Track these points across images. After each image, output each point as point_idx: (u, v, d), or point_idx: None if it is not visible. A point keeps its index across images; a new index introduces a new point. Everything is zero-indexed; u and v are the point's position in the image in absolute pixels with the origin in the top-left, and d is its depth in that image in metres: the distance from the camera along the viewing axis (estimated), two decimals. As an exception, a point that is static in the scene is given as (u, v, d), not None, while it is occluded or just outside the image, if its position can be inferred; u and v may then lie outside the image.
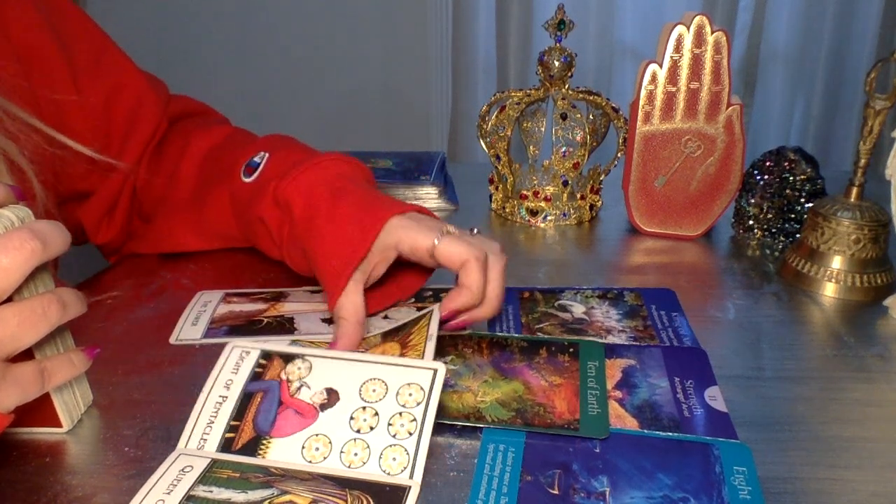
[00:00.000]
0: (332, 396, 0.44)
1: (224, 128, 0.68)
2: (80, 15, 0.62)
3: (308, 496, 0.38)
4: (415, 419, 0.42)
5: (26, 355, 0.39)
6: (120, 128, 0.63)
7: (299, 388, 0.45)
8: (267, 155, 0.60)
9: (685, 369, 0.50)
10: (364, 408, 0.43)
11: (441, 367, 0.44)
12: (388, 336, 0.53)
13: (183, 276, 0.65)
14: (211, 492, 0.38)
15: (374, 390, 0.44)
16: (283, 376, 0.45)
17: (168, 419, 0.45)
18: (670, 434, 0.43)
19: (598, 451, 0.42)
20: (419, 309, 0.58)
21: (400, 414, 0.42)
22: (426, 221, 0.52)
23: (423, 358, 0.47)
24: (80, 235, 0.66)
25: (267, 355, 0.47)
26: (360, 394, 0.44)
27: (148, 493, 0.38)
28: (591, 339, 0.54)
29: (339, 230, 0.52)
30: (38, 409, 0.42)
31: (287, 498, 0.38)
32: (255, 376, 0.46)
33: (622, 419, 0.45)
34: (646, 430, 0.44)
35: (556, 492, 0.39)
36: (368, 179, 0.59)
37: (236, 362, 0.47)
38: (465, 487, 0.39)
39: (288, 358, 0.46)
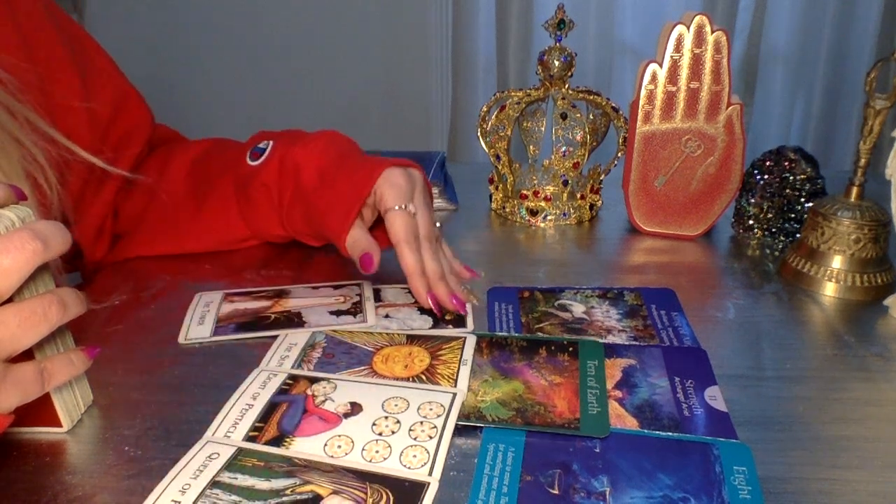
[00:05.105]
0: (355, 408, 0.45)
1: (202, 141, 0.72)
2: (82, 30, 0.64)
3: (329, 487, 0.39)
4: (435, 426, 0.43)
5: (26, 356, 0.39)
6: (115, 142, 0.63)
7: (324, 401, 0.46)
8: (271, 143, 0.66)
9: (685, 369, 0.50)
10: (386, 417, 0.44)
11: (461, 393, 0.47)
12: (414, 340, 0.53)
13: (182, 278, 0.65)
14: (236, 478, 0.39)
15: (395, 405, 0.46)
16: (309, 392, 0.47)
17: (168, 419, 0.45)
18: (670, 434, 0.43)
19: (598, 450, 0.42)
20: (420, 310, 0.58)
21: (421, 423, 0.44)
22: (407, 185, 0.58)
23: (457, 380, 0.48)
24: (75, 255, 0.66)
25: (293, 377, 0.49)
26: (383, 406, 0.45)
27: (175, 477, 0.39)
28: (590, 338, 0.54)
29: (343, 184, 0.59)
30: (38, 409, 0.42)
31: (309, 488, 0.38)
32: (281, 391, 0.47)
33: (622, 419, 0.45)
34: (646, 430, 0.44)
35: (556, 492, 0.39)
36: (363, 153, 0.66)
37: (263, 382, 0.48)
38: (465, 487, 0.39)
39: (314, 380, 0.48)
